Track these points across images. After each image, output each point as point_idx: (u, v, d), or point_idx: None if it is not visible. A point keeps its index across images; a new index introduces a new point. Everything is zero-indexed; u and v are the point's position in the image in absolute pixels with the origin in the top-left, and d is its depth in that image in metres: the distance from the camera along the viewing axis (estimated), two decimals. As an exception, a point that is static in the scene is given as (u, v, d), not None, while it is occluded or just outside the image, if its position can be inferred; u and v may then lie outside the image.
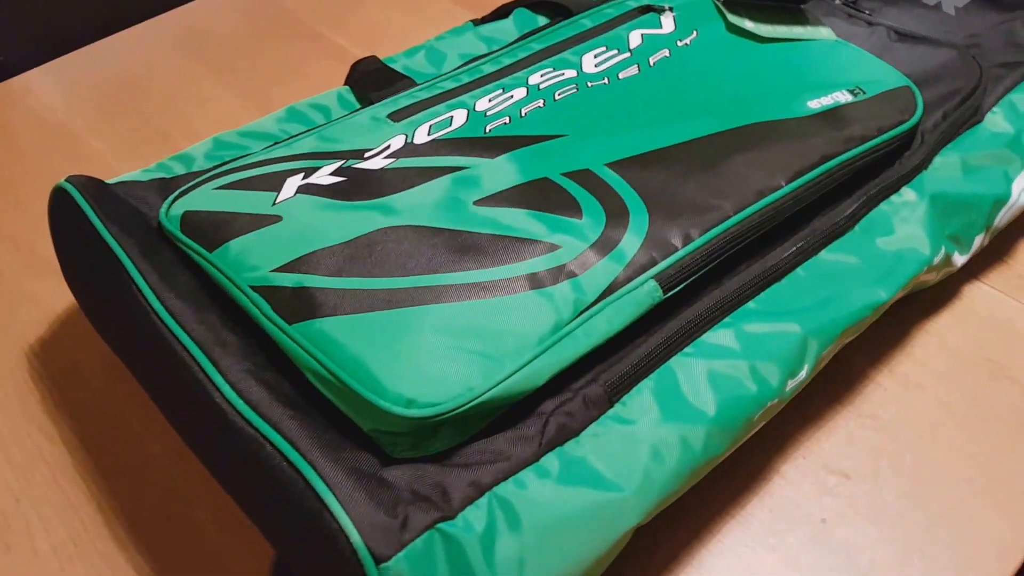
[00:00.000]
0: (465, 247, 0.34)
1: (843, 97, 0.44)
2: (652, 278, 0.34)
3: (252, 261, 0.34)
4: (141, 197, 0.40)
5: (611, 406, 0.32)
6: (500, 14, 0.53)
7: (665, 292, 0.34)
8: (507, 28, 0.52)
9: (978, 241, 0.44)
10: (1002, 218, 0.44)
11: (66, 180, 0.38)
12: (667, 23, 0.49)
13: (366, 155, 0.40)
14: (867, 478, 0.39)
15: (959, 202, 0.43)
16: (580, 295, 0.33)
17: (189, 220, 0.37)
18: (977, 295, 0.47)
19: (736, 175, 0.38)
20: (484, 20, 0.54)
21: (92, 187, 0.38)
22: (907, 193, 0.42)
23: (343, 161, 0.40)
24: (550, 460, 0.31)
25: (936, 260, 0.41)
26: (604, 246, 0.34)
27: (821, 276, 0.38)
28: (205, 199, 0.38)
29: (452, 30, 0.53)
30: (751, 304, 0.36)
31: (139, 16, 0.69)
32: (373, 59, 0.49)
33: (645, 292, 0.33)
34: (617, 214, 0.35)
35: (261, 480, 0.29)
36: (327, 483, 0.28)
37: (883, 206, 0.41)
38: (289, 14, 0.68)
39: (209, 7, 0.69)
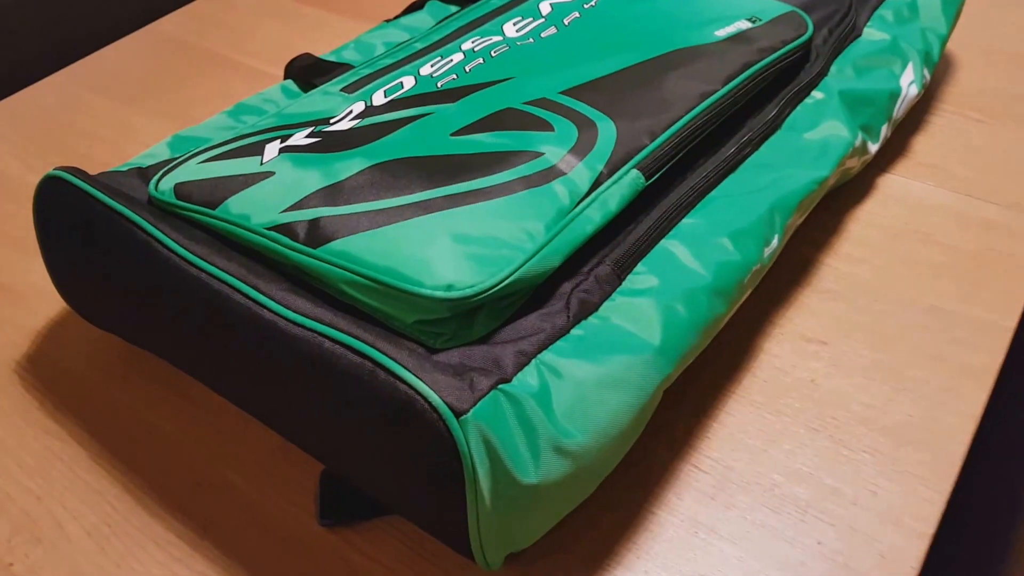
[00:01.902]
0: (457, 166, 0.36)
1: (744, 24, 0.49)
2: (634, 167, 0.37)
3: (258, 210, 0.35)
4: (124, 183, 0.40)
5: (620, 282, 0.35)
6: (414, 8, 0.57)
7: (647, 179, 0.37)
8: (424, 18, 0.56)
9: (884, 131, 0.50)
10: (899, 109, 0.50)
11: (55, 169, 0.38)
12: (574, -12, 0.53)
13: (331, 121, 0.42)
14: (840, 340, 0.43)
15: (862, 97, 0.48)
16: (573, 188, 0.35)
17: (182, 190, 0.38)
18: (890, 183, 0.52)
19: (675, 87, 0.42)
20: (399, 17, 0.57)
21: (83, 174, 0.38)
22: (816, 94, 0.47)
23: (312, 127, 0.42)
24: (580, 329, 0.33)
25: (856, 143, 0.46)
26: (582, 149, 0.37)
27: (767, 165, 0.42)
28: (192, 172, 0.39)
29: (371, 29, 0.56)
30: (715, 192, 0.40)
31: (52, 66, 0.69)
32: (307, 55, 0.51)
33: (630, 179, 0.37)
34: (585, 125, 0.39)
35: (326, 379, 0.30)
36: (394, 359, 0.29)
37: (800, 109, 0.47)
38: (194, 47, 0.70)
39: (118, 52, 0.70)
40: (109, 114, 0.63)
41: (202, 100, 0.63)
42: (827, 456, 0.38)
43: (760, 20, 0.49)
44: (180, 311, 0.35)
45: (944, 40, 0.55)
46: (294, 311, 0.32)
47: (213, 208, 0.37)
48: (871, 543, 0.35)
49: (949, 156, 0.54)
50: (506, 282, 0.32)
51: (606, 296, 0.34)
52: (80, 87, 0.66)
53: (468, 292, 0.31)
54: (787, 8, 0.51)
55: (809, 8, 0.53)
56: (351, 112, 0.43)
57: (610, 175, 0.37)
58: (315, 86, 0.48)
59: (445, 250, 0.32)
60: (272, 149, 0.40)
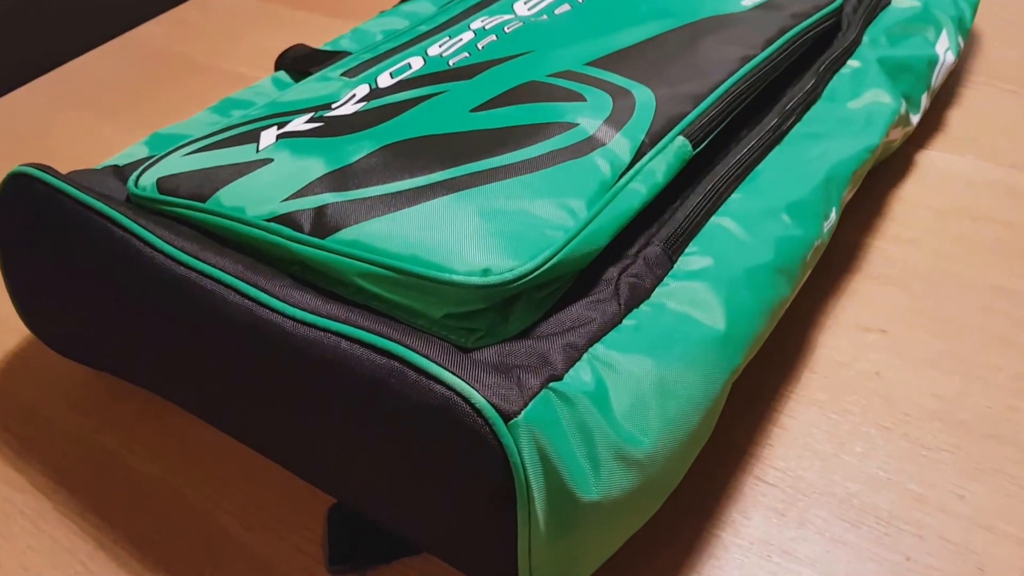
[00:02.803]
0: (481, 142, 0.32)
1: (771, -7, 0.45)
2: (679, 134, 0.33)
3: (255, 200, 0.31)
4: (99, 182, 0.36)
5: (672, 264, 0.31)
6: (412, -6, 0.53)
7: (694, 146, 0.33)
8: (424, 5, 0.52)
9: (924, 101, 0.46)
10: (937, 78, 0.47)
11: (21, 166, 0.34)
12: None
13: (333, 106, 0.38)
14: (901, 328, 0.39)
15: (901, 64, 0.44)
16: (615, 159, 0.31)
17: (167, 184, 0.33)
18: (931, 159, 0.49)
19: (713, 52, 0.38)
20: (397, 5, 0.53)
21: (51, 170, 0.34)
22: (853, 63, 0.44)
23: (312, 113, 0.37)
24: (633, 318, 0.29)
25: (901, 111, 0.42)
26: (619, 119, 0.33)
27: (814, 135, 0.39)
28: (177, 165, 0.34)
29: (370, 19, 0.52)
30: (762, 165, 0.36)
31: (20, 78, 0.65)
32: (301, 45, 0.47)
33: (676, 147, 0.32)
34: (619, 94, 0.35)
35: (345, 386, 0.26)
36: (426, 355, 0.25)
37: (837, 79, 0.43)
38: (177, 55, 0.65)
39: (93, 62, 0.65)
40: (84, 129, 0.58)
41: (186, 112, 0.59)
42: (904, 457, 0.34)
43: (787, -12, 0.46)
44: (166, 320, 0.30)
45: (975, 6, 0.52)
46: (303, 309, 0.27)
47: (203, 201, 0.32)
48: (966, 555, 0.31)
49: (986, 128, 0.51)
50: (549, 264, 0.27)
51: (658, 280, 0.30)
52: (52, 100, 0.62)
53: (508, 276, 0.27)
54: (814, -23, 0.47)
55: (835, -22, 0.50)
56: (354, 96, 0.39)
57: (653, 144, 0.32)
58: (310, 75, 0.44)
59: (476, 231, 0.28)
60: (269, 135, 0.35)
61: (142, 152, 0.41)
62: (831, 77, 0.43)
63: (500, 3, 0.47)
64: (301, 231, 0.30)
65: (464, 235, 0.28)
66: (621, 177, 0.31)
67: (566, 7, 0.45)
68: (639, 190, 0.31)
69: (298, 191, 0.31)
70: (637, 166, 0.31)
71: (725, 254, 0.31)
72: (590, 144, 0.31)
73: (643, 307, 0.29)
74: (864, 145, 0.38)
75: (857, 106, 0.41)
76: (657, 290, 0.30)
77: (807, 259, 0.33)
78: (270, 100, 0.41)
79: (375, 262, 0.28)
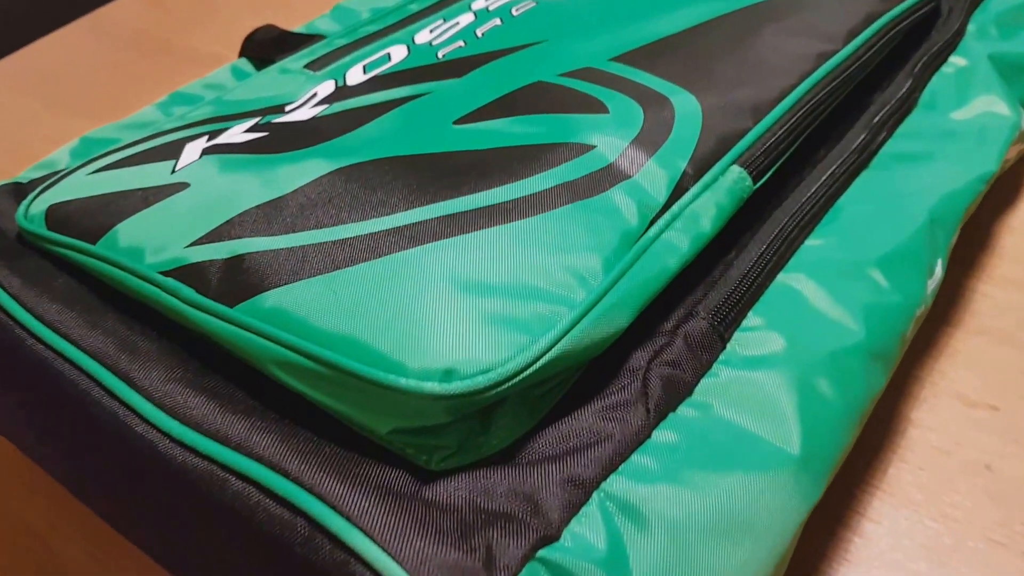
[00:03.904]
0: (464, 168, 0.23)
1: (851, -32, 0.36)
2: (734, 163, 0.24)
3: (156, 241, 0.23)
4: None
5: (724, 345, 0.22)
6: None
7: (755, 178, 0.24)
8: (422, -21, 0.43)
9: (1046, 108, 0.36)
10: (1062, 78, 0.37)
11: None
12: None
13: (286, 108, 0.30)
14: (1017, 402, 0.30)
15: (1018, 63, 0.35)
16: (644, 198, 0.23)
17: (58, 214, 0.25)
18: (1048, 179, 0.39)
19: (779, 47, 0.29)
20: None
21: None
22: (957, 60, 0.34)
23: (258, 118, 0.29)
24: (668, 430, 0.20)
25: (1022, 125, 0.33)
26: (652, 138, 0.24)
27: (909, 158, 0.29)
28: (78, 187, 0.26)
29: (355, -4, 0.43)
30: (845, 198, 0.27)
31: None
32: (269, 27, 0.39)
33: (729, 182, 0.24)
34: (653, 102, 0.26)
35: (236, 537, 0.17)
36: (346, 514, 0.16)
37: (937, 79, 0.34)
38: (148, 36, 0.58)
39: (53, 45, 0.58)
40: (40, 121, 0.51)
41: (151, 94, 0.51)
42: (1029, 592, 0.25)
43: (871, -37, 0.36)
44: (27, 403, 0.22)
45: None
46: (185, 422, 0.19)
47: (95, 240, 0.24)
48: None
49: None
50: (543, 360, 0.19)
51: (704, 369, 0.22)
52: (4, 89, 0.54)
53: (480, 383, 0.18)
54: (904, -52, 0.38)
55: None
56: (315, 95, 0.30)
57: (698, 176, 0.24)
58: (273, 65, 0.36)
59: (443, 307, 0.19)
60: (193, 149, 0.27)
61: (63, 161, 0.33)
62: (930, 78, 0.33)
63: (513, -22, 0.38)
64: (206, 292, 0.21)
65: (425, 313, 0.19)
66: (652, 224, 0.22)
67: (593, -16, 0.36)
68: (678, 244, 0.22)
69: (210, 232, 0.23)
70: (675, 208, 0.23)
71: (799, 330, 0.22)
72: (611, 175, 0.23)
73: (683, 411, 0.21)
74: (978, 173, 0.29)
75: (964, 117, 0.32)
76: (702, 384, 0.21)
77: (907, 335, 0.25)
78: (216, 97, 0.33)
79: (297, 348, 0.19)
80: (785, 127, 0.25)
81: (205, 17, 0.59)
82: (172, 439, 0.19)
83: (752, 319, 0.23)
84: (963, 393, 0.31)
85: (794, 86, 0.27)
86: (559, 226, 0.21)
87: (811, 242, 0.25)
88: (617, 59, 0.28)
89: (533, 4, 0.34)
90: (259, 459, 0.18)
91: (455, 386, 0.18)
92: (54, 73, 0.55)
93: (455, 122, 0.26)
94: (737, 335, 0.22)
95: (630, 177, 0.23)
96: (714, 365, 0.22)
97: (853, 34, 0.30)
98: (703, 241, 0.22)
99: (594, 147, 0.24)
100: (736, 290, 0.23)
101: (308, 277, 0.21)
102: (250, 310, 0.20)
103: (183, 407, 0.19)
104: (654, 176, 0.23)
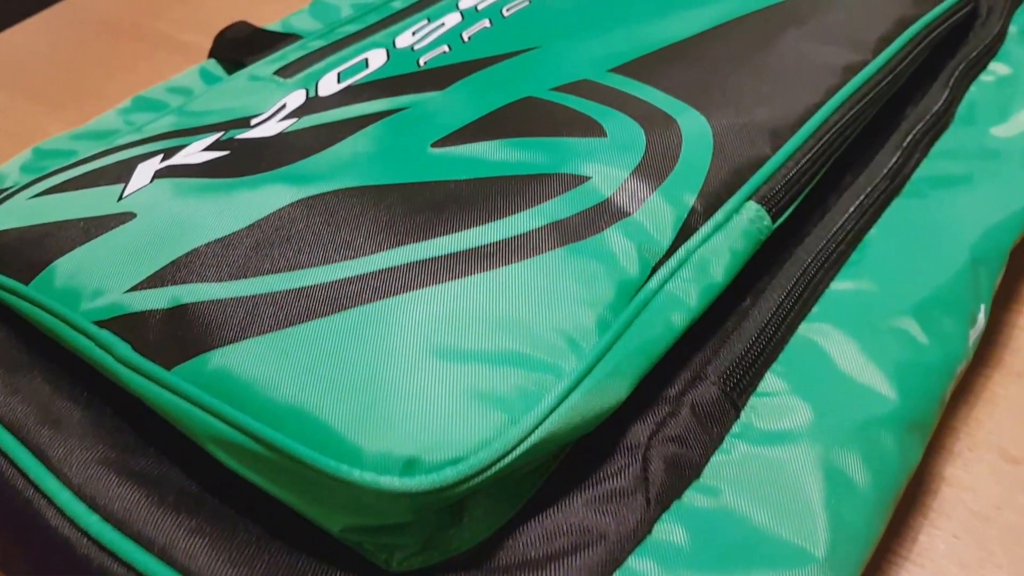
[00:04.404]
0: (438, 203, 0.20)
1: (879, -34, 0.32)
2: (749, 199, 0.21)
3: (93, 283, 0.20)
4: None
5: (738, 413, 0.19)
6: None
7: (774, 218, 0.21)
8: (411, -28, 0.40)
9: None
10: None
11: None
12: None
13: (252, 122, 0.27)
14: (1065, 460, 0.27)
15: (1065, 70, 0.32)
16: (646, 240, 0.19)
17: (-20, 248, 0.22)
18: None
19: (801, 57, 0.26)
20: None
21: None
22: (997, 68, 0.31)
23: (221, 133, 0.26)
24: (673, 522, 0.17)
25: (1072, 142, 0.30)
26: (655, 168, 0.21)
27: (945, 182, 0.26)
28: (15, 214, 0.23)
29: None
30: (875, 230, 0.24)
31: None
32: (242, 24, 0.36)
33: (747, 220, 0.20)
34: (656, 123, 0.23)
35: None
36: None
37: (975, 89, 0.30)
38: (128, 25, 0.55)
39: (26, 34, 0.55)
40: (7, 115, 0.48)
41: (124, 92, 0.48)
42: None
43: (902, -41, 0.33)
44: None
45: None
46: (104, 516, 0.16)
47: (27, 280, 0.21)
48: None
49: None
50: (524, 446, 0.16)
51: (715, 444, 0.19)
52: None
53: (448, 477, 0.15)
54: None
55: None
56: (283, 107, 0.27)
57: (708, 213, 0.20)
58: (242, 69, 0.33)
59: (409, 378, 0.16)
60: (145, 172, 0.24)
61: (11, 176, 0.30)
62: (967, 87, 0.30)
63: (507, -26, 0.35)
64: (143, 349, 0.18)
65: (387, 384, 0.16)
66: (655, 272, 0.19)
67: (594, -18, 0.33)
68: (685, 297, 0.19)
69: (153, 275, 0.20)
70: (681, 253, 0.19)
71: (825, 397, 0.19)
72: (607, 213, 0.20)
73: (689, 497, 0.18)
74: (1025, 199, 0.26)
75: (1007, 134, 0.29)
76: (713, 461, 0.18)
77: (946, 396, 0.21)
78: (180, 105, 0.30)
79: (236, 423, 0.16)
80: (809, 155, 0.22)
81: (192, 12, 0.56)
82: (89, 538, 0.16)
83: (770, 381, 0.20)
84: (1004, 447, 0.28)
85: (819, 104, 0.24)
86: (546, 275, 0.18)
87: (837, 285, 0.22)
88: (617, 70, 0.25)
89: (526, 3, 0.31)
90: (184, 572, 0.15)
91: (418, 481, 0.15)
92: (21, 63, 0.52)
93: (433, 144, 0.23)
94: (753, 401, 0.19)
95: (629, 215, 0.20)
96: (726, 439, 0.19)
97: (885, 42, 0.27)
98: (714, 293, 0.19)
99: (588, 178, 0.21)
100: (752, 348, 0.20)
101: (257, 335, 0.18)
102: (189, 373, 0.17)
103: (105, 497, 0.16)
104: (657, 214, 0.20)
